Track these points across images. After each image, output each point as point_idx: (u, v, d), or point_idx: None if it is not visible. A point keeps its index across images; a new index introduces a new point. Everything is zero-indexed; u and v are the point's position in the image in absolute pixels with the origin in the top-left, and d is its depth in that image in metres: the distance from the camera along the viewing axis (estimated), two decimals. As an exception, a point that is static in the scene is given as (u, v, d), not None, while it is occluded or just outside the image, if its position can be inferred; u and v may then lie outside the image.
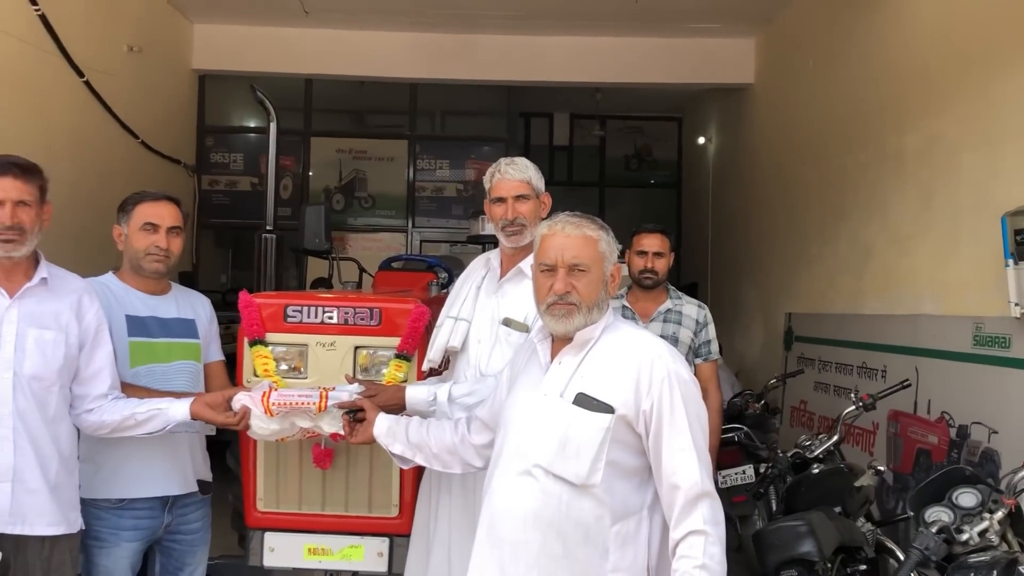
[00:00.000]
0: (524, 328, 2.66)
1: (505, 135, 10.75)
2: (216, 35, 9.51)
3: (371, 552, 3.03)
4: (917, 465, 5.05)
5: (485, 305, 2.83)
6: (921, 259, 5.62)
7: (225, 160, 10.30)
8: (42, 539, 2.51)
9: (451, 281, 4.62)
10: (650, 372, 2.08)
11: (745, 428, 5.07)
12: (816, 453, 3.89)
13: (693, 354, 3.77)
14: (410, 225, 10.43)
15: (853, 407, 4.10)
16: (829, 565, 3.01)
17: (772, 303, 8.72)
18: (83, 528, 2.67)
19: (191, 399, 2.69)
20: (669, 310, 3.76)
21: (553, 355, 2.21)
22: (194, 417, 2.68)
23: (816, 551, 2.98)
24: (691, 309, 3.78)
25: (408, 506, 2.99)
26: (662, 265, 3.75)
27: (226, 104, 10.43)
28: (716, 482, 4.77)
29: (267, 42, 9.39)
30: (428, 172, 10.53)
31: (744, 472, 4.82)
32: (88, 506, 2.72)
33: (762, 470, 4.72)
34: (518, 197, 2.80)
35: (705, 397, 3.79)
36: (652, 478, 2.10)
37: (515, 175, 2.81)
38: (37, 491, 2.49)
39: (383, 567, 3.03)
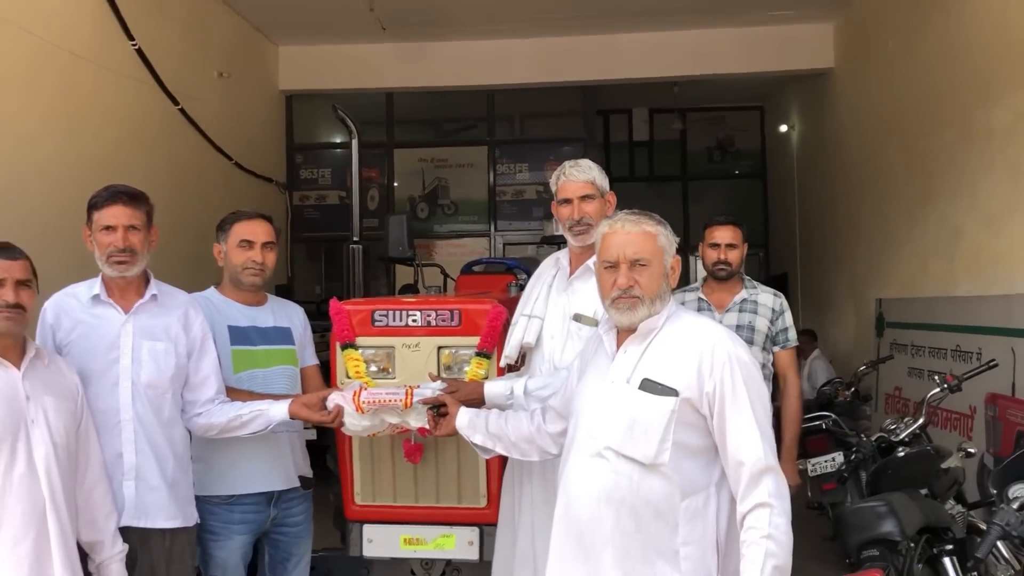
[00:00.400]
0: (593, 323, 2.77)
1: (583, 134, 10.84)
2: (300, 56, 9.90)
3: (462, 541, 3.19)
4: (1018, 447, 4.94)
5: (556, 302, 2.95)
6: (1013, 238, 5.48)
7: (314, 176, 10.69)
8: (163, 532, 2.75)
9: (530, 282, 4.76)
10: (712, 356, 2.17)
11: (833, 416, 5.04)
12: (902, 436, 3.86)
13: (771, 342, 3.79)
14: (492, 229, 10.62)
15: (938, 389, 4.05)
16: (912, 545, 3.01)
17: (862, 290, 8.57)
18: (199, 522, 2.90)
19: (289, 400, 2.89)
20: (744, 300, 3.79)
21: (619, 345, 2.32)
22: (292, 416, 2.87)
23: (898, 531, 2.99)
24: (766, 298, 3.80)
25: (495, 497, 3.13)
26: (735, 256, 3.79)
27: (313, 122, 10.82)
28: (805, 470, 4.78)
29: (348, 60, 9.73)
30: (508, 176, 10.70)
31: (833, 459, 4.80)
32: (202, 502, 2.94)
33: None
34: (583, 197, 2.91)
35: (784, 385, 3.85)
36: (718, 456, 2.20)
37: (579, 176, 2.93)
38: (157, 488, 2.72)
39: (474, 555, 3.18)
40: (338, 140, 10.86)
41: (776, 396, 3.87)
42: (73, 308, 2.76)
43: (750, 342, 3.70)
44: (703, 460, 2.20)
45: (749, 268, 11.97)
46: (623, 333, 2.31)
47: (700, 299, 3.87)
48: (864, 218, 8.43)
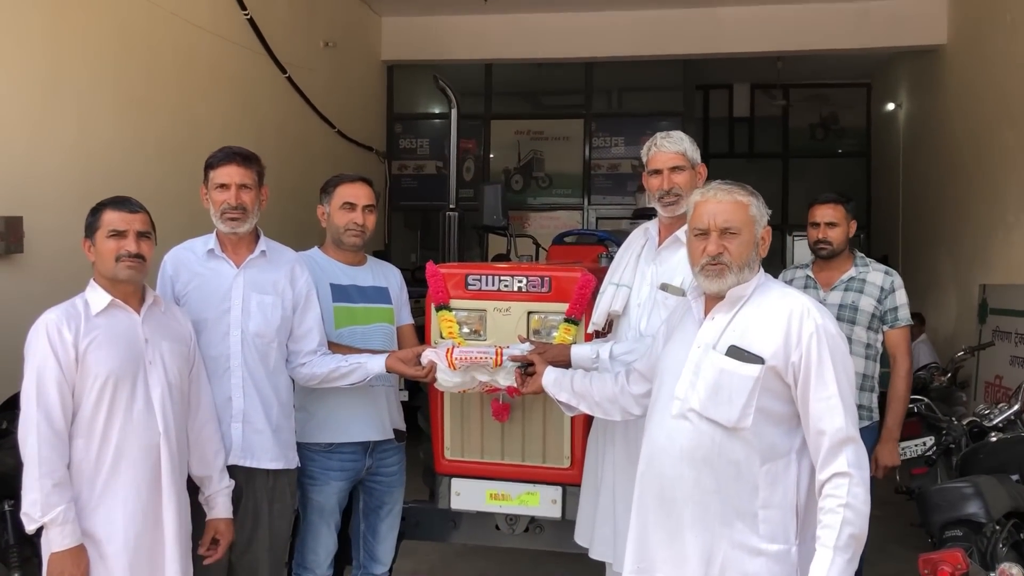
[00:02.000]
0: (680, 292, 2.82)
1: (682, 109, 10.73)
2: (402, 27, 10.09)
3: (546, 499, 3.30)
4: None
5: (644, 272, 3.00)
6: None
7: (412, 146, 10.92)
8: (267, 472, 2.95)
9: (620, 254, 4.82)
10: (799, 327, 2.21)
11: (926, 400, 4.94)
12: (995, 422, 3.79)
13: (879, 321, 3.73)
14: (586, 202, 10.65)
15: (1038, 375, 3.94)
16: (998, 528, 2.98)
17: (966, 275, 8.29)
18: (299, 466, 3.09)
19: (386, 355, 3.05)
20: (852, 278, 3.73)
21: (706, 312, 2.38)
22: (389, 370, 3.03)
23: (983, 512, 2.96)
24: (876, 276, 3.73)
25: (578, 459, 3.23)
26: (836, 235, 3.73)
27: (413, 92, 11.02)
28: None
29: (449, 31, 9.87)
30: (604, 150, 10.70)
31: (924, 443, 4.71)
32: (303, 449, 3.13)
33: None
34: (673, 168, 2.95)
35: (893, 365, 3.79)
36: (800, 425, 2.24)
37: (670, 147, 2.97)
38: (262, 431, 2.92)
39: (556, 513, 3.29)
40: (436, 111, 11.04)
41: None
42: (190, 261, 2.97)
43: (852, 322, 3.66)
44: (785, 427, 2.25)
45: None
46: (711, 300, 2.37)
47: (808, 277, 3.84)
48: (972, 201, 8.14)
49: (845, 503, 2.12)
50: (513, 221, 10.21)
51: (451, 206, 4.33)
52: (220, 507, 2.80)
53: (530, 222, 10.71)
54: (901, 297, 3.75)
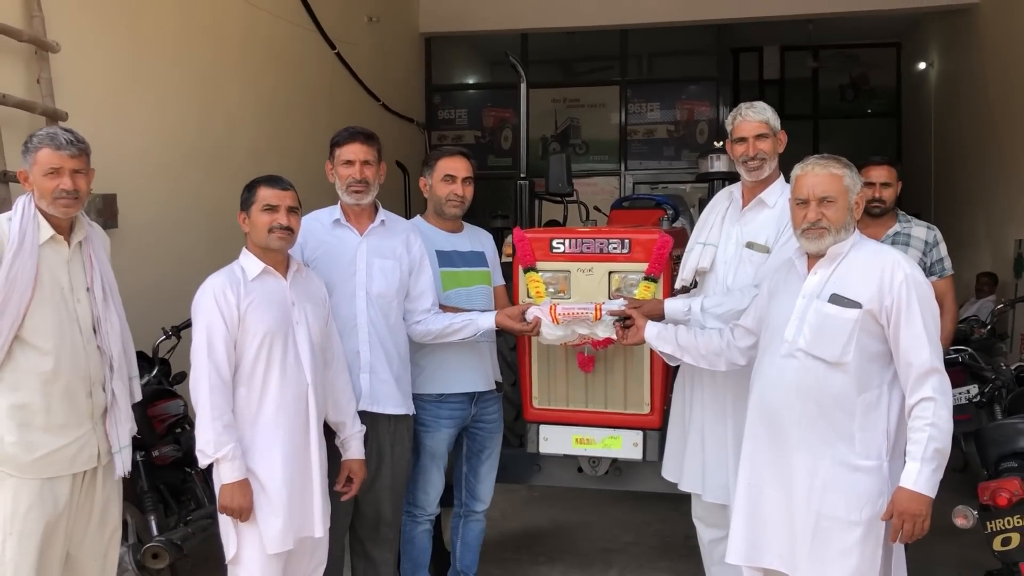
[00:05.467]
0: (764, 250, 3.12)
1: (716, 73, 10.88)
2: (439, -1, 10.28)
3: (628, 442, 3.61)
4: None
5: (730, 231, 3.28)
6: None
7: (451, 116, 11.14)
8: (389, 417, 3.28)
9: (677, 217, 5.08)
10: (891, 276, 2.57)
11: (969, 350, 5.20)
12: (1041, 368, 4.05)
13: (927, 273, 4.01)
14: (623, 168, 10.85)
15: (1080, 324, 4.19)
16: (1050, 460, 3.25)
17: (1001, 230, 8.49)
18: (414, 413, 3.41)
19: (494, 312, 3.37)
20: (897, 233, 4.01)
21: (809, 268, 2.73)
22: (498, 326, 3.34)
23: (1036, 446, 3.24)
24: (920, 231, 4.01)
25: (658, 405, 3.53)
26: (889, 194, 4.01)
27: (450, 63, 11.21)
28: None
29: (484, 2, 10.03)
30: (639, 115, 10.87)
31: (968, 391, 4.98)
32: (416, 399, 3.43)
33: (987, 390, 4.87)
34: (758, 136, 3.22)
35: (941, 312, 4.06)
36: (892, 360, 2.60)
37: (755, 116, 3.24)
38: (385, 381, 3.24)
39: (638, 455, 3.60)
40: (472, 80, 11.23)
41: None
42: (317, 230, 3.28)
43: None
44: (880, 363, 2.60)
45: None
46: (812, 258, 2.72)
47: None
48: (1006, 158, 8.31)
49: (931, 422, 2.49)
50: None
51: (522, 175, 4.61)
52: (354, 449, 3.13)
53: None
54: (943, 249, 4.06)
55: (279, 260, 2.96)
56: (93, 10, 4.87)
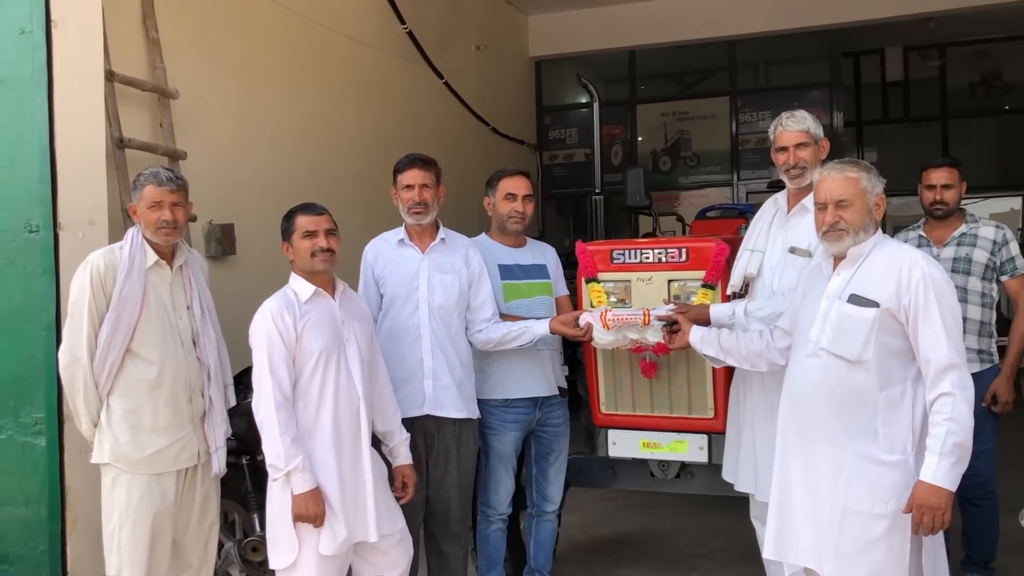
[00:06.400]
0: (807, 254, 3.18)
1: (828, 79, 10.66)
2: (547, 23, 10.56)
3: (693, 446, 3.71)
4: None
5: (776, 237, 3.36)
6: None
7: (562, 136, 11.37)
8: (453, 421, 3.52)
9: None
10: (909, 274, 2.62)
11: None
12: None
13: (995, 273, 3.94)
14: (735, 178, 10.79)
15: None
16: None
17: None
18: (479, 417, 3.63)
19: (549, 319, 3.57)
20: (964, 234, 3.96)
21: (834, 269, 2.81)
22: (552, 332, 3.53)
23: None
24: (988, 231, 3.95)
25: (721, 409, 3.61)
26: (951, 196, 3.97)
27: (559, 85, 11.47)
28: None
29: (591, 23, 10.24)
30: (751, 125, 10.78)
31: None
32: (483, 404, 3.67)
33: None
34: (798, 145, 3.29)
35: (1015, 309, 4.00)
36: (915, 357, 2.65)
37: (795, 127, 3.31)
38: (448, 386, 3.48)
39: (704, 458, 3.70)
40: (583, 100, 11.44)
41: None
42: (385, 250, 3.60)
43: (967, 273, 3.91)
44: (902, 360, 2.66)
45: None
46: (837, 260, 2.80)
47: (920, 236, 4.09)
48: None
49: (949, 417, 2.53)
50: (663, 201, 10.54)
51: (596, 191, 4.79)
52: (403, 455, 3.31)
53: (680, 201, 10.92)
54: (1015, 248, 3.98)
55: (326, 281, 3.16)
56: (210, 58, 5.37)
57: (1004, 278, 3.95)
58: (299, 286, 3.14)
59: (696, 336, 3.23)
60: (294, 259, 3.17)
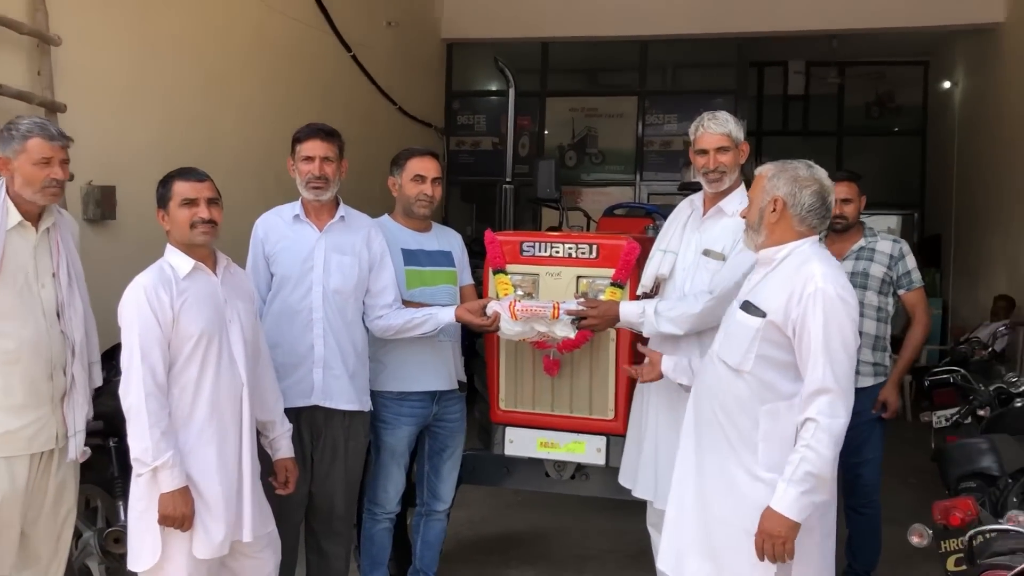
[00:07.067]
0: (720, 257, 3.11)
1: (735, 87, 10.82)
2: (462, 6, 10.35)
3: (591, 447, 3.61)
4: None
5: (690, 239, 3.28)
6: None
7: (470, 122, 11.20)
8: (343, 413, 3.30)
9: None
10: (802, 288, 2.48)
11: (962, 371, 5.12)
12: (1022, 388, 3.98)
13: (892, 287, 4.00)
14: (638, 178, 10.84)
15: (1061, 345, 4.13)
16: (1011, 481, 3.20)
17: (1016, 252, 8.36)
18: (372, 410, 3.43)
19: (455, 306, 3.40)
20: (862, 248, 4.00)
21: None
22: (458, 320, 3.36)
23: (996, 466, 3.18)
24: (885, 245, 4.00)
25: (622, 411, 3.53)
26: (850, 210, 4.00)
27: (470, 70, 11.28)
28: (930, 422, 4.92)
29: (507, 9, 10.08)
30: (656, 127, 10.85)
31: (959, 412, 4.91)
32: (377, 396, 3.48)
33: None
34: (719, 148, 3.21)
35: (912, 319, 4.07)
36: None
37: (716, 129, 3.22)
38: (339, 376, 3.27)
39: (601, 460, 3.60)
40: (493, 88, 11.29)
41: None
42: (278, 225, 3.33)
43: (864, 287, 3.93)
44: (789, 375, 2.53)
45: (905, 231, 11.77)
46: (760, 266, 2.68)
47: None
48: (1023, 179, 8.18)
49: (807, 444, 2.40)
50: (566, 196, 10.47)
51: (507, 180, 4.63)
52: (284, 448, 3.06)
53: (583, 197, 10.90)
54: (911, 262, 4.04)
55: (206, 255, 2.86)
56: (99, 5, 4.97)
57: (901, 292, 4.01)
58: (176, 260, 2.82)
59: (668, 365, 3.07)
60: (170, 230, 2.84)
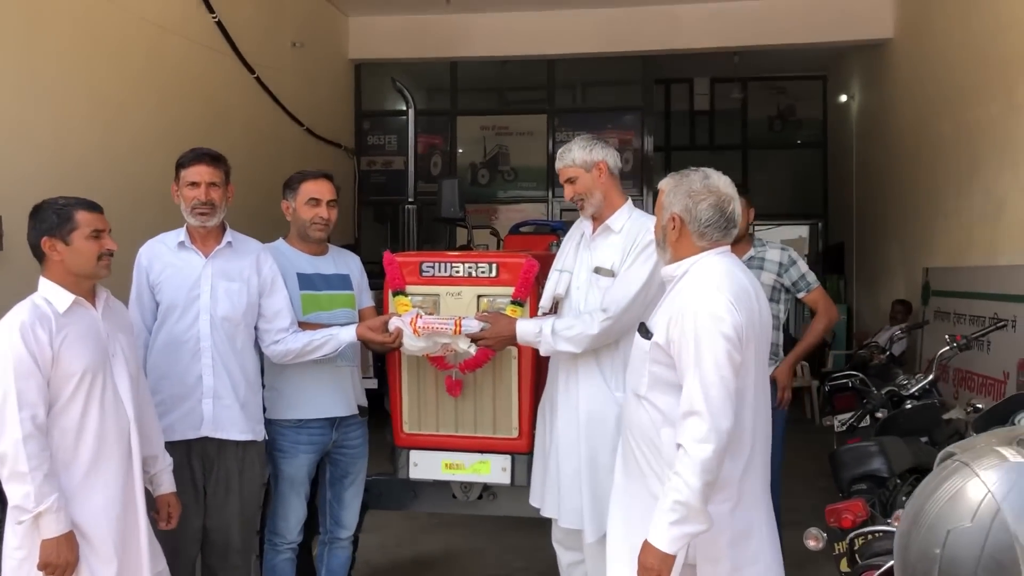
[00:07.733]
0: (610, 274, 3.15)
1: (641, 104, 11.03)
2: (369, 26, 10.31)
3: (496, 467, 3.59)
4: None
5: (583, 258, 3.31)
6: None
7: (380, 142, 11.14)
8: (236, 444, 3.21)
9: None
10: (681, 309, 2.39)
11: (860, 375, 5.30)
12: (912, 391, 4.14)
13: (787, 292, 4.15)
14: (551, 195, 10.92)
15: (948, 348, 4.30)
16: (900, 482, 3.30)
17: (912, 259, 8.69)
18: (267, 439, 3.35)
19: (356, 325, 3.34)
20: (751, 257, 4.13)
21: None
22: (359, 338, 3.30)
23: (885, 468, 3.28)
24: (774, 254, 4.15)
25: (526, 429, 3.52)
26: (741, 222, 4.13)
27: (380, 90, 11.22)
28: (833, 426, 5.06)
29: (414, 30, 10.09)
30: (565, 144, 10.93)
31: (858, 416, 5.06)
32: (274, 425, 3.40)
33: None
34: (567, 180, 3.30)
35: (818, 314, 4.26)
36: None
37: (560, 164, 3.32)
38: (230, 406, 3.17)
39: (506, 479, 3.58)
40: (403, 108, 11.21)
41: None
42: (163, 253, 3.23)
43: None
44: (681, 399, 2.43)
45: (811, 240, 12.11)
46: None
47: None
48: (916, 189, 8.52)
49: (676, 471, 2.28)
50: (480, 214, 10.50)
51: (410, 200, 4.61)
52: (167, 483, 2.95)
53: (497, 215, 10.94)
54: (803, 267, 4.19)
55: (89, 289, 2.74)
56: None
57: (801, 295, 4.15)
58: (54, 295, 2.66)
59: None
60: (62, 261, 2.67)
